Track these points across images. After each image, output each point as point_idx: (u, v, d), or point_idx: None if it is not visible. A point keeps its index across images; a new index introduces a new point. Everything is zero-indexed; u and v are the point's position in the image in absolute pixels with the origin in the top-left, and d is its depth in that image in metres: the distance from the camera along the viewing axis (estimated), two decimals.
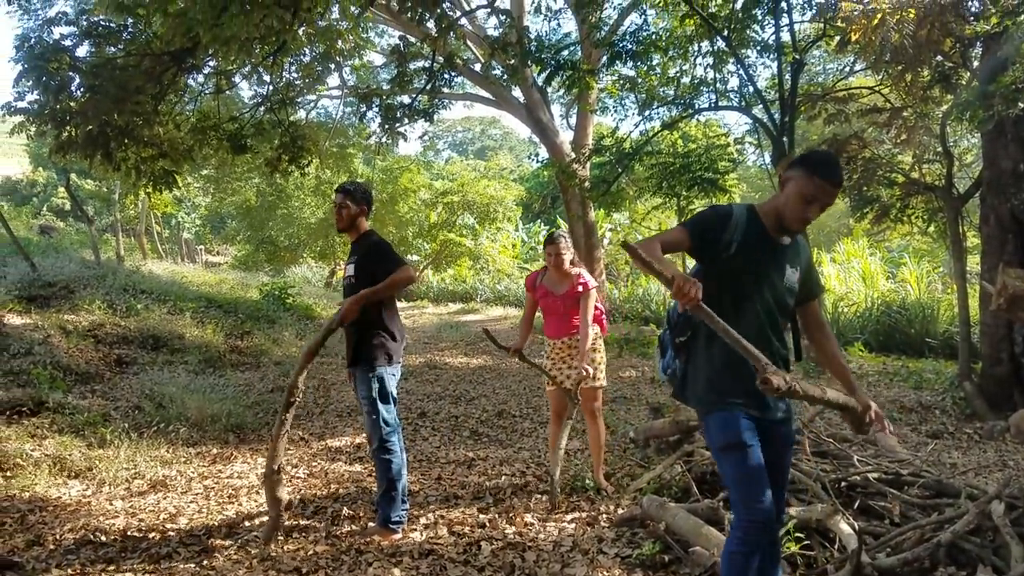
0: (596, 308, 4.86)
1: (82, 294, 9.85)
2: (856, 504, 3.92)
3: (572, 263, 4.86)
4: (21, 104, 7.72)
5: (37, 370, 7.10)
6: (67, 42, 7.80)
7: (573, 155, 13.95)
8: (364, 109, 9.95)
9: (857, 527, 3.39)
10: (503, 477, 5.28)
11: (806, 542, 3.49)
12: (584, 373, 4.58)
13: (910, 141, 7.40)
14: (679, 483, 4.56)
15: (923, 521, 3.50)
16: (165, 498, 4.86)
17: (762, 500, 2.53)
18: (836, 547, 3.45)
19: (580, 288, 4.75)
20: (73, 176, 27.22)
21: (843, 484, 4.12)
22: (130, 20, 7.90)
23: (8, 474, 5.00)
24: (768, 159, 11.14)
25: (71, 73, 7.54)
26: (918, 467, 4.42)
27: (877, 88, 8.58)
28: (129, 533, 4.16)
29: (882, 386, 8.33)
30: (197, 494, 4.95)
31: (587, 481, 4.86)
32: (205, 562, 3.75)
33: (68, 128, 7.75)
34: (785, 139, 9.62)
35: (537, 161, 17.49)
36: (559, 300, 4.82)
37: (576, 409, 4.77)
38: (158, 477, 5.27)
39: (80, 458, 5.39)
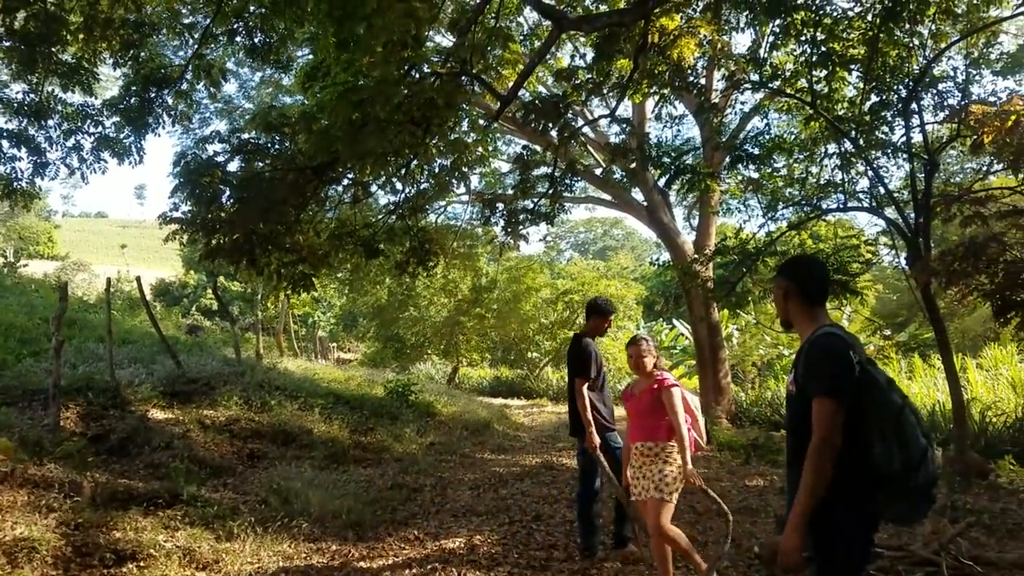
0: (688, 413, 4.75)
1: (221, 390, 10.38)
2: None
3: (656, 366, 4.83)
4: (176, 214, 8.50)
5: (175, 463, 7.50)
6: (219, 158, 8.60)
7: (696, 256, 13.85)
8: (488, 214, 10.31)
9: None
10: None
11: None
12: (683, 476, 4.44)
13: None
14: None
15: None
16: None
17: None
18: None
19: (656, 385, 4.71)
20: (221, 279, 29.42)
21: None
22: (277, 137, 8.63)
23: (141, 564, 5.25)
24: (903, 260, 10.67)
25: (222, 186, 8.28)
26: None
27: (1020, 188, 8.16)
28: None
29: None
30: None
31: None
32: None
33: (217, 236, 8.41)
34: (920, 240, 9.25)
35: (658, 264, 17.42)
36: (636, 400, 4.82)
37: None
38: (280, 572, 5.40)
39: (208, 551, 5.61)
